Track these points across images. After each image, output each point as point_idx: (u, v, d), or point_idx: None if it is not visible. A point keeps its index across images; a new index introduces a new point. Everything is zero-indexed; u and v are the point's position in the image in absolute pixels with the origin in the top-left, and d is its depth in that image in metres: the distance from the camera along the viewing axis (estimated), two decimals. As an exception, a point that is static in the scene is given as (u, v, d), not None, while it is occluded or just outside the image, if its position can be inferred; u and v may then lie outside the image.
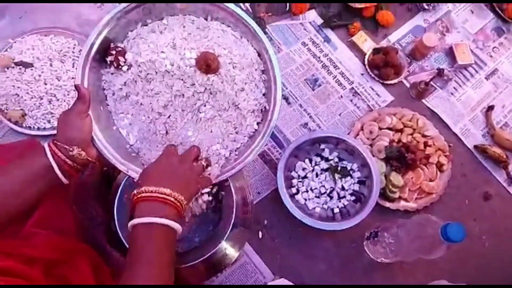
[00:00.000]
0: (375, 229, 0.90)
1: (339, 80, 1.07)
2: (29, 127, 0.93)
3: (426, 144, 0.99)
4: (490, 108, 1.07)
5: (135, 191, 0.61)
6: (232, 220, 0.73)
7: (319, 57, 1.08)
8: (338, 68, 1.08)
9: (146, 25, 0.74)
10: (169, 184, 0.61)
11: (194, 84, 0.70)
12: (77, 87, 0.67)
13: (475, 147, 1.04)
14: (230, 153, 0.74)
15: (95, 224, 0.81)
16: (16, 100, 0.92)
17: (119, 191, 0.75)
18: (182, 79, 0.70)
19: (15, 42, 0.97)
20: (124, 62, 0.70)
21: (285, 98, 1.04)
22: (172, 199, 0.61)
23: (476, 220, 1.00)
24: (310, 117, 1.04)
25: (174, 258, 0.61)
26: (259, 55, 0.75)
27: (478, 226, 1.00)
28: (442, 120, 1.06)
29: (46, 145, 0.65)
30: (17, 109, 0.92)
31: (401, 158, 0.96)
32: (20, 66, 0.93)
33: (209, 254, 0.72)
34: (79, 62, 0.69)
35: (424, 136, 1.01)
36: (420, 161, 0.97)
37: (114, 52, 0.69)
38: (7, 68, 0.93)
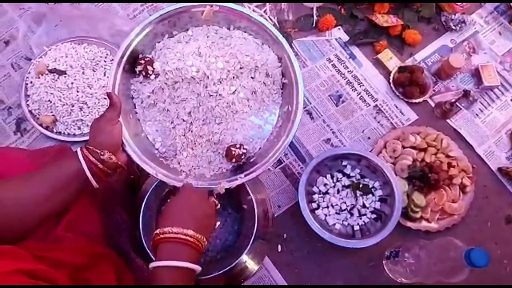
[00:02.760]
0: (396, 248, 0.89)
1: (363, 97, 1.07)
2: (60, 133, 0.96)
3: (449, 165, 0.99)
4: (515, 130, 1.06)
5: (157, 231, 0.64)
6: (254, 233, 0.74)
7: (343, 74, 1.09)
8: (363, 85, 1.08)
9: (172, 36, 0.79)
10: (192, 225, 0.64)
11: (217, 92, 0.74)
12: (108, 95, 0.70)
13: (499, 169, 1.03)
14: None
15: (120, 230, 0.83)
16: (48, 106, 0.95)
17: (145, 199, 0.77)
18: (207, 87, 0.74)
19: (50, 49, 1.01)
20: (152, 71, 0.74)
21: (309, 113, 1.05)
22: (196, 240, 0.63)
23: (498, 243, 0.99)
24: (333, 132, 1.04)
25: None
26: (280, 60, 0.79)
27: (499, 249, 0.98)
28: (466, 141, 1.05)
29: (78, 150, 0.68)
30: (48, 115, 0.95)
31: (424, 178, 0.96)
32: (54, 73, 0.96)
33: (230, 266, 0.73)
34: (111, 71, 0.74)
35: (447, 156, 1.00)
36: (443, 181, 0.97)
37: (143, 61, 0.74)
38: (42, 75, 0.96)
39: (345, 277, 0.94)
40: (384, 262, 0.94)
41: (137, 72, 0.75)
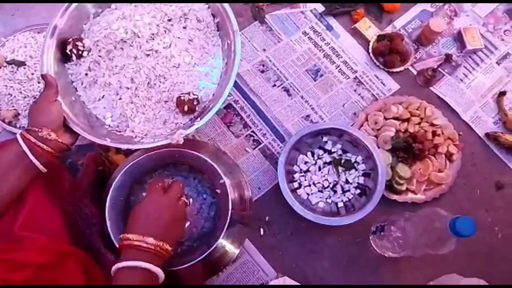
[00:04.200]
0: (382, 223, 0.86)
1: (342, 70, 1.03)
2: (23, 127, 0.92)
3: (434, 134, 0.95)
4: (502, 93, 1.02)
5: (121, 236, 0.64)
6: (228, 218, 0.70)
7: (320, 46, 1.04)
8: (341, 57, 1.04)
9: (98, 15, 0.80)
10: (155, 232, 0.63)
11: (152, 49, 0.74)
12: (43, 76, 0.71)
13: (486, 135, 0.99)
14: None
15: (91, 225, 0.79)
16: (9, 100, 0.90)
17: (110, 191, 0.73)
18: (141, 47, 0.74)
19: (7, 40, 0.95)
20: (83, 47, 0.74)
21: (286, 89, 1.01)
22: (158, 249, 0.62)
23: (488, 210, 0.96)
24: (312, 108, 1.00)
25: None
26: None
27: (490, 217, 0.95)
28: (451, 108, 1.01)
29: (18, 133, 0.67)
30: (10, 109, 0.90)
31: (408, 149, 0.92)
32: (13, 65, 0.91)
33: (205, 254, 0.70)
34: (42, 53, 0.74)
35: (432, 125, 0.96)
36: (429, 151, 0.93)
37: (71, 40, 0.74)
38: (0, 68, 0.91)
39: (332, 256, 0.91)
40: (370, 237, 0.91)
41: (70, 55, 0.74)
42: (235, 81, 0.98)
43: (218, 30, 0.81)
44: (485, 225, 0.95)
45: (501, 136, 0.98)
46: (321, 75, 1.02)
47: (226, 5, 0.77)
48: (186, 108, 0.72)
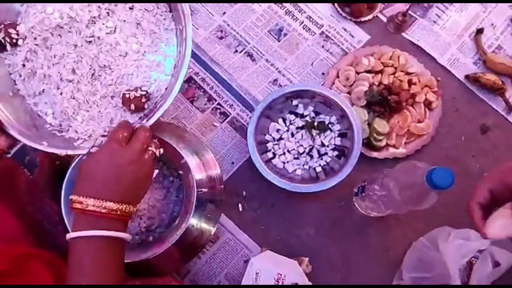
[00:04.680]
0: (362, 183, 0.82)
1: (306, 26, 0.96)
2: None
3: (410, 82, 0.89)
4: (479, 31, 0.95)
5: (72, 197, 0.53)
6: (194, 199, 0.66)
7: (281, 3, 0.96)
8: (304, 12, 0.96)
9: None
10: (115, 194, 0.53)
11: (94, 35, 0.65)
12: None
13: (466, 77, 0.94)
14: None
15: (55, 223, 0.74)
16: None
17: (65, 179, 0.68)
18: (80, 33, 0.65)
19: None
20: (17, 34, 0.64)
21: (249, 54, 0.94)
22: (119, 213, 0.53)
23: (475, 156, 0.91)
24: (279, 71, 0.93)
25: (123, 269, 0.55)
26: None
27: (478, 162, 0.91)
28: (427, 53, 0.94)
29: None
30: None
31: (384, 102, 0.86)
32: None
33: (174, 239, 0.66)
34: None
35: (407, 74, 0.90)
36: (406, 102, 0.88)
37: (2, 26, 0.64)
38: None
39: (316, 222, 0.87)
40: (354, 199, 0.86)
41: (3, 43, 0.65)
42: (194, 52, 0.92)
43: (170, 12, 0.70)
44: (473, 172, 0.90)
45: (482, 76, 0.92)
46: (285, 34, 0.95)
47: None
48: (132, 106, 0.64)
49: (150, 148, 0.59)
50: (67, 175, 0.69)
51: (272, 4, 0.96)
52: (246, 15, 0.95)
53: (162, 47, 0.68)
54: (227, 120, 0.91)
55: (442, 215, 0.87)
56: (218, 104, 0.91)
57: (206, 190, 0.74)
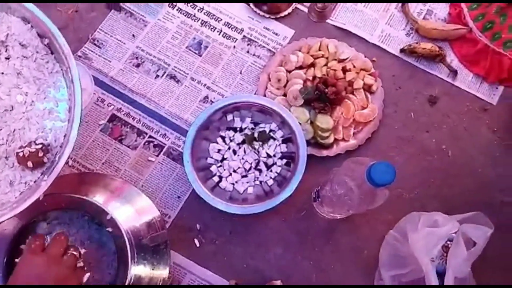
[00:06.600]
0: (317, 187, 0.76)
1: (226, 33, 0.89)
2: None
3: (345, 70, 0.84)
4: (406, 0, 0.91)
5: None
6: (129, 252, 0.58)
7: (194, 15, 0.89)
8: (221, 20, 0.90)
9: None
10: None
11: None
12: None
13: (402, 50, 0.89)
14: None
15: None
16: None
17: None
18: None
19: None
20: None
21: (172, 76, 0.86)
22: None
23: (429, 131, 0.87)
24: (208, 87, 0.86)
25: None
26: (27, 20, 0.63)
27: (433, 137, 0.86)
28: (356, 35, 0.90)
29: None
30: None
31: (322, 96, 0.81)
32: None
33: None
34: None
35: (340, 61, 0.85)
36: (345, 90, 0.83)
37: None
38: None
39: (282, 241, 0.80)
40: (314, 205, 0.80)
41: None
42: (111, 87, 0.84)
43: (52, 53, 0.64)
44: (431, 147, 0.86)
45: (417, 46, 0.88)
46: (206, 47, 0.88)
47: (48, 21, 0.61)
48: (30, 164, 0.58)
49: (68, 251, 0.60)
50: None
51: (186, 18, 0.89)
52: (160, 36, 0.88)
53: (51, 93, 0.62)
54: (163, 151, 0.83)
55: (408, 200, 0.83)
56: (150, 137, 0.83)
57: (148, 237, 0.67)
